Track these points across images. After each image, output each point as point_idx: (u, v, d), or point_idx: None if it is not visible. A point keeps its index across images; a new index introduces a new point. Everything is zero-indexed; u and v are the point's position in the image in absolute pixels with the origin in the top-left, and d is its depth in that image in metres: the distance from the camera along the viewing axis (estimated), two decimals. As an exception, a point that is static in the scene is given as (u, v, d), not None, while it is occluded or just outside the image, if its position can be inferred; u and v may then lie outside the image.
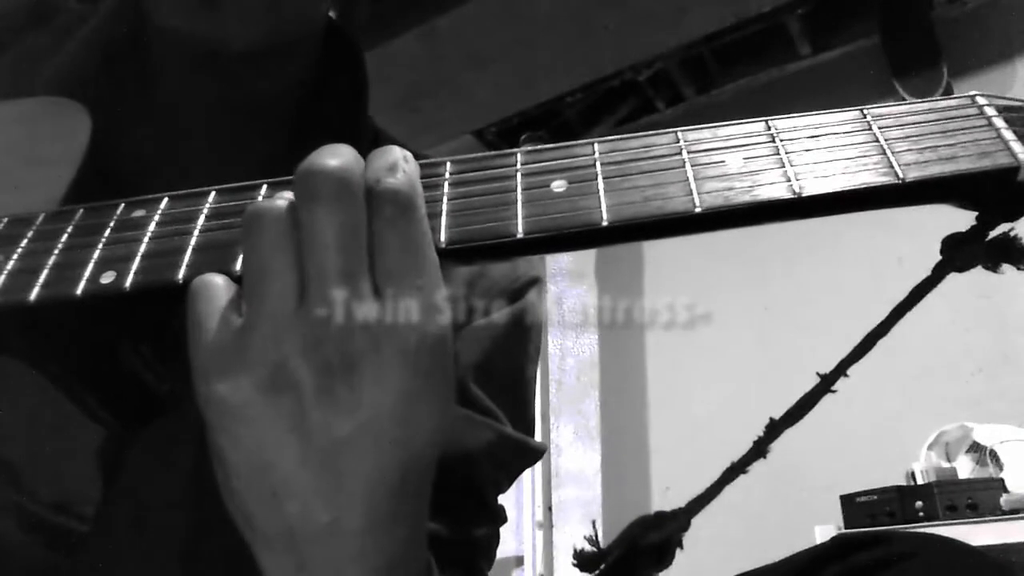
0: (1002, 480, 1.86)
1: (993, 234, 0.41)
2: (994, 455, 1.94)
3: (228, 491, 0.37)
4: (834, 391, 0.43)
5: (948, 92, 2.44)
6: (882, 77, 2.54)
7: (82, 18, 0.67)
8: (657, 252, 2.74)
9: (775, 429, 0.43)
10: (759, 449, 0.44)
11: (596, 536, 0.47)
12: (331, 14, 0.69)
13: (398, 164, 0.36)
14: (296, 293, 0.35)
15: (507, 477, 0.68)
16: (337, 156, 0.36)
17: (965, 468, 2.00)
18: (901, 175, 0.38)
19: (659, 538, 0.46)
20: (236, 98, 0.63)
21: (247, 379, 0.35)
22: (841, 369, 0.42)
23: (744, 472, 0.44)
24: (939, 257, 0.43)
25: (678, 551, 0.47)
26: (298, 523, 0.35)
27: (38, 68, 0.64)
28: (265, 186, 0.43)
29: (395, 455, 0.35)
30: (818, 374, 0.43)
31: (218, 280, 0.37)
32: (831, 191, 0.38)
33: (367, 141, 0.68)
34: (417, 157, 0.69)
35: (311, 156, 0.36)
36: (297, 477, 0.35)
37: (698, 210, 0.38)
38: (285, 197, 0.36)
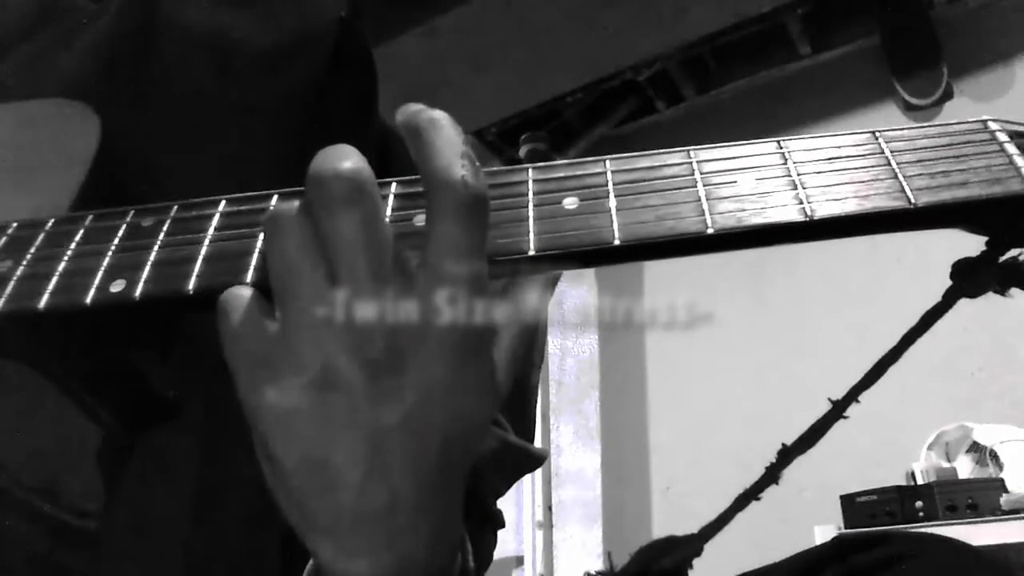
0: (1002, 480, 1.87)
1: (1002, 259, 0.41)
2: (994, 455, 1.95)
3: (284, 492, 0.37)
4: (845, 416, 0.43)
5: (948, 92, 2.44)
6: (882, 77, 2.54)
7: (93, 17, 0.67)
8: (657, 252, 2.73)
9: (787, 456, 0.43)
10: (771, 476, 0.44)
11: (611, 566, 0.47)
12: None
13: (469, 158, 0.37)
14: (328, 292, 0.35)
15: (506, 483, 0.68)
16: (346, 157, 0.36)
17: (965, 468, 2.01)
18: (912, 200, 0.38)
19: (671, 563, 0.46)
20: (249, 97, 0.63)
21: (296, 382, 0.35)
22: (852, 396, 0.42)
23: (757, 499, 0.44)
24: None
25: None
26: (357, 509, 0.36)
27: (48, 69, 0.64)
28: (276, 196, 0.43)
29: (440, 437, 0.36)
30: (830, 400, 0.43)
31: (245, 291, 0.37)
32: (843, 214, 0.38)
33: (377, 138, 0.68)
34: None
35: (318, 160, 0.36)
36: (351, 467, 0.36)
37: (710, 231, 0.38)
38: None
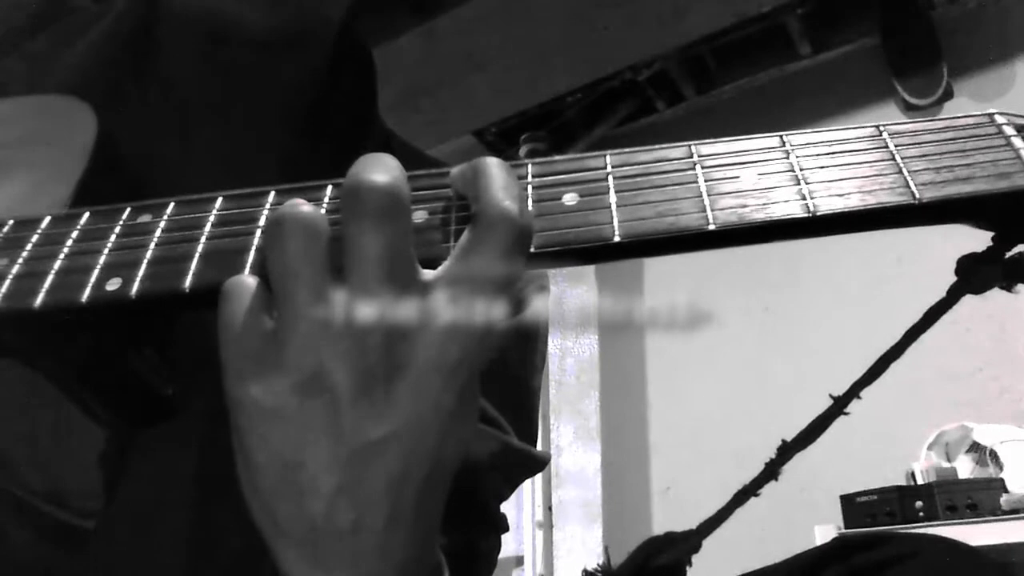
0: (1002, 480, 1.87)
1: (1008, 254, 0.40)
2: (994, 455, 1.95)
3: (252, 489, 0.37)
4: (846, 413, 0.42)
5: (948, 92, 2.44)
6: (882, 77, 2.54)
7: (95, 17, 0.67)
8: (657, 253, 2.72)
9: (787, 452, 0.43)
10: (770, 471, 0.43)
11: (608, 561, 0.47)
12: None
13: (525, 200, 0.37)
14: (327, 299, 0.35)
15: (509, 486, 0.68)
16: (386, 171, 0.36)
17: (965, 468, 2.00)
18: (917, 195, 0.37)
19: (670, 559, 0.46)
20: (249, 93, 0.63)
21: (282, 381, 0.35)
22: (853, 392, 0.42)
23: (756, 495, 0.44)
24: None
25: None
26: (321, 520, 0.36)
27: (50, 67, 0.64)
28: (272, 193, 0.42)
29: (423, 461, 0.36)
30: (831, 396, 0.42)
31: (250, 281, 0.37)
32: (846, 210, 0.38)
33: (378, 142, 0.68)
34: (421, 160, 0.70)
35: (357, 169, 0.36)
36: (324, 476, 0.35)
37: (712, 227, 0.38)
38: (310, 203, 0.36)
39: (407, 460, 0.36)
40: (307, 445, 0.35)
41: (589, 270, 2.85)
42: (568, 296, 2.74)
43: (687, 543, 0.45)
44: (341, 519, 0.35)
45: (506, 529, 0.68)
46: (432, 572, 0.41)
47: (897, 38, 2.51)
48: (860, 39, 2.62)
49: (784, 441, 0.43)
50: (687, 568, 0.47)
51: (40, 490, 0.50)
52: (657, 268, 2.75)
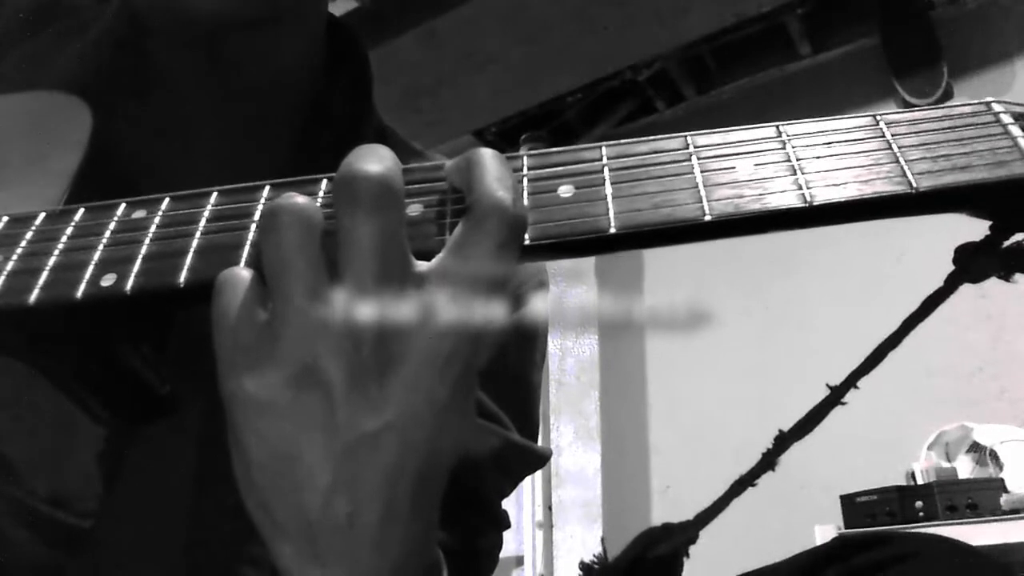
0: (1002, 480, 1.87)
1: (1006, 243, 0.40)
2: (994, 455, 1.95)
3: (248, 485, 0.37)
4: (843, 403, 0.42)
5: (948, 92, 2.44)
6: (882, 77, 2.55)
7: (94, 15, 0.67)
8: (657, 252, 2.73)
9: (784, 442, 0.43)
10: (768, 462, 0.43)
11: (604, 553, 0.46)
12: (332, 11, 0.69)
13: (517, 191, 0.37)
14: (321, 291, 0.35)
15: (511, 483, 0.68)
16: (379, 161, 0.36)
17: (965, 468, 2.01)
18: (914, 184, 0.37)
19: (667, 550, 0.45)
20: (247, 90, 0.63)
21: (276, 375, 0.35)
22: (851, 382, 0.42)
23: (753, 485, 0.43)
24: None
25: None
26: (318, 515, 0.35)
27: (48, 65, 0.64)
28: (268, 187, 0.42)
29: (418, 454, 0.36)
30: (828, 386, 0.42)
31: (244, 273, 0.37)
32: (842, 199, 0.37)
33: (374, 138, 0.68)
34: (418, 157, 0.70)
35: (351, 160, 0.36)
36: (320, 470, 0.35)
37: (708, 218, 0.37)
38: (304, 196, 0.36)
39: (402, 453, 0.35)
40: (302, 439, 0.35)
41: (589, 270, 2.85)
42: (568, 296, 2.74)
43: (684, 534, 0.45)
44: (337, 513, 0.35)
45: (508, 526, 0.68)
46: (430, 570, 0.40)
47: (897, 38, 2.52)
48: (860, 39, 2.62)
49: (781, 431, 0.43)
50: (684, 560, 0.47)
51: (39, 491, 0.50)
52: (657, 267, 2.76)
